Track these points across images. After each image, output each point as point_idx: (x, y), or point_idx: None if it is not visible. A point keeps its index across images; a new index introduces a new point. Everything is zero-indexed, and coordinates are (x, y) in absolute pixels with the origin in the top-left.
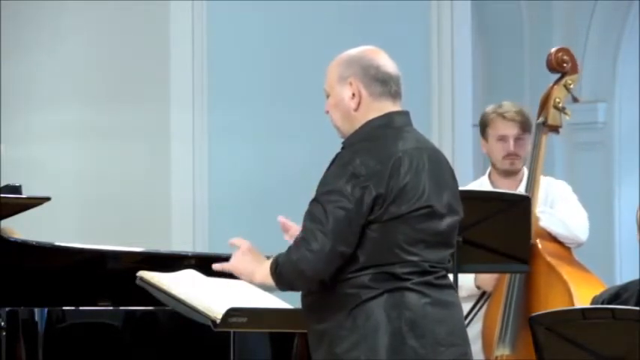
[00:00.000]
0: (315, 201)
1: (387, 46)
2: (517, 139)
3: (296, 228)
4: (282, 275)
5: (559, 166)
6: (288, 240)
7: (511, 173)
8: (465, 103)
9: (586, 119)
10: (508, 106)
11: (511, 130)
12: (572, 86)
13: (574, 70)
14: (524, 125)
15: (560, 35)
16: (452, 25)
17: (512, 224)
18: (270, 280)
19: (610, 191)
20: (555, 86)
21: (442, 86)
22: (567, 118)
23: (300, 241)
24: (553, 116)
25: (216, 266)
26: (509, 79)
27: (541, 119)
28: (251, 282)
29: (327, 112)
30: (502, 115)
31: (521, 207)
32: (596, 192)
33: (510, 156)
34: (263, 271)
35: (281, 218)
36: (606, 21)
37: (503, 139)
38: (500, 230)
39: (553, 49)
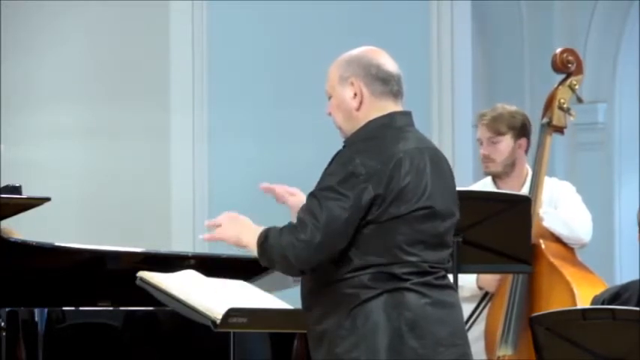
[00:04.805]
0: (312, 195)
1: (387, 46)
2: (490, 142)
3: (279, 188)
4: (266, 252)
5: (559, 166)
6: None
7: (502, 175)
8: (465, 103)
9: (586, 119)
10: (489, 110)
11: (483, 133)
12: (576, 87)
13: (579, 70)
14: (495, 127)
15: (560, 35)
16: (452, 25)
17: (513, 225)
18: (255, 248)
19: (610, 191)
20: (560, 87)
21: (442, 86)
22: (572, 118)
23: (292, 228)
24: (558, 117)
25: (205, 237)
26: (509, 79)
27: (545, 120)
28: (237, 244)
29: (330, 113)
30: (479, 119)
31: (521, 207)
32: (597, 192)
33: (483, 159)
34: (250, 236)
35: (263, 185)
36: (606, 21)
37: (479, 142)
38: (501, 231)
39: (558, 50)
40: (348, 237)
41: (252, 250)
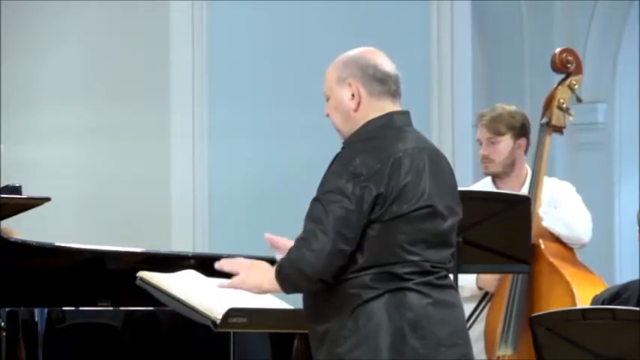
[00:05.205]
0: (315, 200)
1: (387, 46)
2: (489, 143)
3: (284, 241)
4: (286, 277)
5: (559, 166)
6: (280, 256)
7: (502, 175)
8: (465, 103)
9: (586, 120)
10: (488, 110)
11: (483, 133)
12: (576, 87)
13: (578, 70)
14: (494, 128)
15: (560, 35)
16: (452, 25)
17: (513, 225)
18: (277, 286)
19: (610, 191)
20: (559, 87)
21: (442, 86)
22: (571, 118)
23: (301, 240)
24: (557, 117)
25: (222, 284)
26: (509, 79)
27: (545, 119)
28: (261, 292)
29: (328, 115)
30: (479, 120)
31: (521, 207)
32: (597, 192)
33: (483, 159)
34: (269, 277)
35: (267, 235)
36: (606, 21)
37: (479, 142)
38: (501, 231)
39: (557, 50)
40: (357, 238)
41: (277, 291)
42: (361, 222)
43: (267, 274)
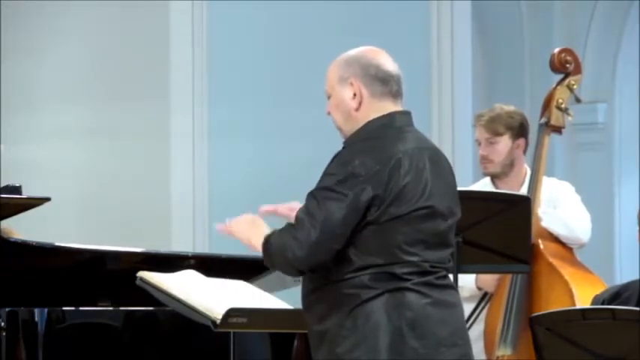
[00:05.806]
0: (311, 195)
1: (387, 46)
2: (488, 143)
3: (282, 209)
4: (268, 253)
5: (559, 166)
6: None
7: (501, 175)
8: (465, 103)
9: (586, 120)
10: (486, 111)
11: (481, 134)
12: (575, 87)
13: (577, 70)
14: (492, 128)
15: (560, 35)
16: (452, 25)
17: (513, 225)
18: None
19: (610, 191)
20: (558, 87)
21: (442, 86)
22: (570, 118)
23: (289, 227)
24: (556, 117)
25: (219, 227)
26: (509, 79)
27: (544, 119)
28: (250, 247)
29: (329, 113)
30: (477, 120)
31: (521, 207)
32: (597, 192)
33: (481, 160)
34: (259, 239)
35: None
36: (606, 21)
37: (478, 143)
38: (501, 231)
39: (556, 50)
40: (345, 237)
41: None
42: (353, 222)
43: (259, 235)
